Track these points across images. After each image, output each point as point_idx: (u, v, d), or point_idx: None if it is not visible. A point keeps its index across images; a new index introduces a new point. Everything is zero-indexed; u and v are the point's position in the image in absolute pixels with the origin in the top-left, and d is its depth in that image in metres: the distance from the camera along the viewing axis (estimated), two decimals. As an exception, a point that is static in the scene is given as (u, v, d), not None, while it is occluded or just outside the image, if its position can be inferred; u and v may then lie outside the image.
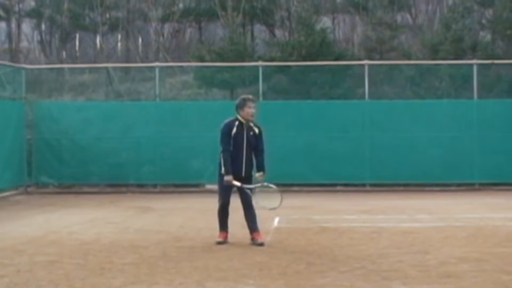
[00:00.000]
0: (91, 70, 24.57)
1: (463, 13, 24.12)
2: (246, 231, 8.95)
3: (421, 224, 10.93)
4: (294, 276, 6.75)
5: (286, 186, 17.93)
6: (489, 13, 27.34)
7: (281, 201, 8.62)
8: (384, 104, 18.56)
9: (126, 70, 24.87)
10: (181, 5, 29.07)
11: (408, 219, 11.56)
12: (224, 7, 25.49)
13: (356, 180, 17.95)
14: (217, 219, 8.92)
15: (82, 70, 25.03)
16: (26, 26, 31.01)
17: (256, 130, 8.81)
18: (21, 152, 17.70)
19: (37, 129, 18.12)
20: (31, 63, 24.46)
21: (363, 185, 17.95)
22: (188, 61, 24.00)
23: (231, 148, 8.65)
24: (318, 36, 22.09)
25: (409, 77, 21.31)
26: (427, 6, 30.14)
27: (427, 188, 17.74)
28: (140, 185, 18.23)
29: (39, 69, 22.85)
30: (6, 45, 29.94)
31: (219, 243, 8.75)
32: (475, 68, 18.37)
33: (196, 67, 22.11)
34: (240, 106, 8.73)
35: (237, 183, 8.62)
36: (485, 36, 26.30)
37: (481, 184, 17.78)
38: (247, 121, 8.74)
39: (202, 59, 22.37)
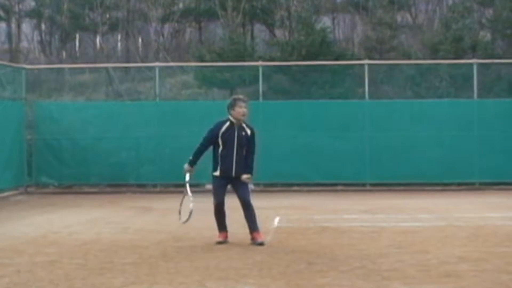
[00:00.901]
0: (91, 70, 24.58)
1: (463, 13, 24.16)
2: (246, 230, 8.94)
3: (421, 223, 10.93)
4: (294, 276, 6.75)
5: (287, 185, 18.01)
6: (489, 12, 27.36)
7: (187, 219, 8.74)
8: (384, 104, 18.56)
9: (126, 70, 24.87)
10: (181, 5, 29.08)
11: (408, 219, 11.56)
12: (224, 7, 25.52)
13: (356, 179, 17.95)
14: (215, 220, 8.92)
15: (82, 70, 25.03)
16: (26, 26, 31.03)
17: (248, 131, 8.74)
18: (21, 152, 17.70)
19: (37, 129, 18.12)
20: (31, 63, 24.45)
21: (363, 184, 17.95)
22: (188, 61, 24.03)
23: (220, 148, 8.70)
24: (318, 36, 22.10)
25: (409, 76, 21.31)
26: (427, 5, 30.14)
27: (427, 188, 17.74)
28: (140, 185, 18.23)
29: (39, 69, 22.85)
30: (6, 45, 29.95)
31: (219, 242, 8.76)
32: (475, 68, 18.36)
33: (196, 67, 22.12)
34: (231, 106, 8.70)
35: (187, 177, 8.91)
36: (485, 35, 26.31)
37: (481, 184, 17.78)
38: (238, 120, 8.69)
39: (202, 59, 22.39)
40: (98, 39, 29.22)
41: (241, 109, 8.65)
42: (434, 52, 22.47)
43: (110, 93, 23.01)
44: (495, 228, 10.11)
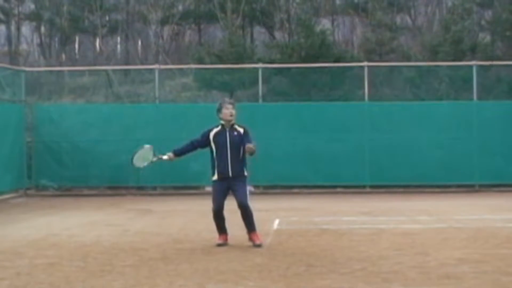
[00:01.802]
0: (90, 72, 24.58)
1: (462, 15, 24.14)
2: (245, 233, 8.94)
3: (421, 225, 10.92)
4: (294, 278, 6.75)
5: (286, 187, 18.02)
6: (488, 14, 27.38)
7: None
8: (383, 106, 18.56)
9: (126, 72, 24.87)
10: (180, 8, 29.09)
11: (408, 221, 11.56)
12: (223, 9, 25.53)
13: (356, 181, 17.95)
14: (214, 224, 8.94)
15: (82, 73, 25.03)
16: (26, 28, 31.04)
17: (241, 130, 8.80)
18: (21, 154, 17.70)
19: (36, 132, 18.13)
20: (30, 66, 24.46)
21: (363, 186, 17.96)
22: (188, 63, 24.01)
23: (214, 151, 8.79)
24: (318, 38, 22.10)
25: (409, 78, 21.32)
26: (427, 7, 30.17)
27: (427, 190, 17.75)
28: (140, 188, 18.23)
29: (38, 72, 22.87)
30: (6, 48, 29.95)
31: (219, 245, 8.77)
32: (474, 70, 18.38)
33: (196, 69, 22.12)
34: (219, 110, 8.85)
35: (165, 157, 9.14)
36: (485, 37, 26.31)
37: (481, 186, 17.79)
38: (228, 122, 8.78)
39: (201, 61, 22.38)
40: (97, 42, 29.22)
41: (227, 110, 8.77)
42: (433, 54, 22.47)
43: (110, 95, 23.01)
44: (495, 230, 10.12)
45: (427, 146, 17.79)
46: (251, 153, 8.55)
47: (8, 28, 29.95)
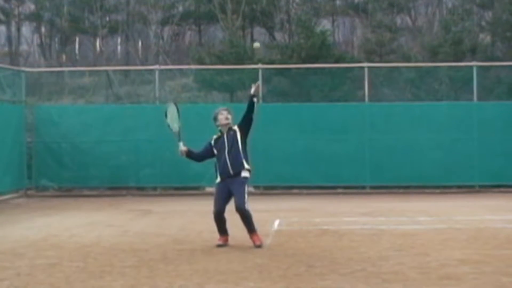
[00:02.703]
0: (91, 73, 24.60)
1: (462, 16, 24.18)
2: (246, 233, 8.94)
3: (421, 226, 10.92)
4: (294, 279, 6.75)
5: (286, 188, 18.01)
6: (488, 15, 27.40)
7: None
8: (384, 107, 18.56)
9: (126, 73, 24.88)
10: (180, 8, 29.13)
11: (408, 221, 11.55)
12: (223, 10, 25.55)
13: (356, 182, 17.95)
14: (215, 225, 8.97)
15: (82, 73, 25.04)
16: (26, 29, 31.08)
17: (235, 127, 8.99)
18: (21, 155, 17.70)
19: (37, 132, 18.12)
20: (31, 66, 24.49)
21: (363, 187, 17.95)
22: (188, 64, 24.02)
23: (216, 155, 8.94)
24: (318, 38, 22.11)
25: (409, 79, 21.32)
26: (427, 8, 30.20)
27: (427, 190, 17.74)
28: (140, 188, 18.23)
29: (39, 72, 22.86)
30: (6, 48, 29.98)
31: (219, 245, 8.78)
32: (474, 70, 18.37)
33: (196, 70, 22.12)
34: (215, 119, 9.10)
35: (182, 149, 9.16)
36: (485, 38, 26.34)
37: (481, 186, 17.78)
38: (225, 126, 8.99)
39: (202, 62, 22.40)
40: (98, 42, 29.25)
41: (222, 116, 9.01)
42: (433, 54, 22.49)
43: (110, 96, 23.01)
44: (495, 231, 10.11)
45: (427, 147, 17.78)
46: (257, 90, 8.90)
47: (9, 28, 30.00)
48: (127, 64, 27.52)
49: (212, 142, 9.02)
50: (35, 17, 29.61)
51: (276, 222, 11.23)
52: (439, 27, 26.42)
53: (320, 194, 17.28)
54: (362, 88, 18.53)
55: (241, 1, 25.53)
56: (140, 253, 8.35)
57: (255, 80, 18.86)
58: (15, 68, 20.02)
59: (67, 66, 27.29)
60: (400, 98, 20.59)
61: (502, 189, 17.52)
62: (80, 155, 17.95)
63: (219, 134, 9.02)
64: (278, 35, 27.92)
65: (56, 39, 29.92)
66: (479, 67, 18.93)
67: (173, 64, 25.20)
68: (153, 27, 27.52)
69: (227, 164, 8.79)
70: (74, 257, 8.11)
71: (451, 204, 14.68)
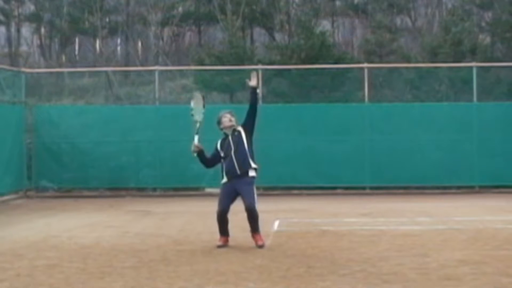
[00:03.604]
0: (90, 74, 24.61)
1: (462, 16, 24.17)
2: (246, 234, 8.95)
3: (421, 227, 10.92)
4: (294, 280, 6.75)
5: (286, 189, 18.01)
6: (488, 16, 27.41)
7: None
8: (383, 107, 18.56)
9: (126, 74, 24.89)
10: (180, 9, 29.11)
11: (408, 222, 11.55)
12: (223, 11, 25.54)
13: (356, 183, 17.94)
14: (217, 225, 8.95)
15: (82, 74, 25.04)
16: (26, 30, 31.07)
17: (239, 128, 9.01)
18: (21, 156, 17.69)
19: (36, 133, 18.11)
20: (30, 67, 24.45)
21: (363, 188, 17.95)
22: (188, 64, 24.02)
23: (223, 157, 8.90)
24: (318, 39, 22.09)
25: (409, 80, 21.32)
26: (427, 9, 30.20)
27: (427, 191, 17.74)
28: (140, 189, 18.22)
29: (38, 73, 22.85)
30: (6, 49, 29.98)
31: (219, 246, 8.78)
32: (474, 71, 18.37)
33: (196, 70, 22.12)
34: (219, 123, 9.11)
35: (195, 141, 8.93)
36: (485, 39, 26.34)
37: (481, 187, 17.77)
38: (229, 128, 9.02)
39: (201, 63, 22.39)
40: (97, 43, 29.24)
41: (226, 118, 9.05)
42: (433, 55, 22.48)
43: (110, 97, 23.03)
44: (495, 231, 10.11)
45: (427, 148, 17.77)
46: (254, 79, 8.85)
47: (8, 29, 29.99)
48: (127, 65, 27.51)
49: (218, 146, 9.02)
50: (35, 18, 29.60)
51: (276, 223, 11.23)
52: (439, 27, 26.42)
53: (320, 195, 17.28)
54: (362, 88, 18.53)
55: (241, 2, 25.53)
56: (140, 254, 8.35)
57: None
58: (15, 69, 20.01)
59: (67, 67, 27.27)
60: (400, 98, 20.59)
61: (502, 190, 17.51)
62: (80, 156, 17.95)
63: (224, 136, 9.04)
64: (278, 36, 27.91)
65: (56, 40, 29.91)
66: (479, 68, 18.92)
67: (173, 65, 25.20)
68: (153, 28, 27.51)
69: (233, 164, 8.80)
70: (74, 258, 8.11)
71: (451, 204, 14.68)
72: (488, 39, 26.34)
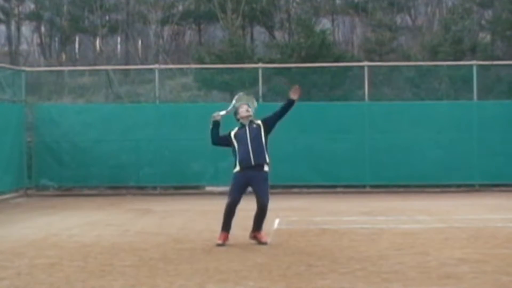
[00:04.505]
0: (91, 72, 24.59)
1: (462, 15, 24.17)
2: (246, 233, 8.95)
3: (421, 225, 10.92)
4: (294, 278, 6.75)
5: (287, 187, 18.00)
6: (488, 14, 27.40)
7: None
8: (383, 106, 18.55)
9: (126, 72, 24.88)
10: (180, 8, 29.12)
11: (408, 221, 11.56)
12: (223, 9, 25.54)
13: (356, 181, 17.94)
14: (222, 218, 8.88)
15: (82, 73, 25.03)
16: (26, 28, 31.08)
17: (258, 121, 9.04)
18: (21, 154, 17.69)
19: (37, 132, 18.11)
20: (31, 66, 24.47)
21: (363, 186, 17.95)
22: (188, 63, 24.02)
23: (236, 146, 8.84)
24: (318, 37, 22.10)
25: (409, 78, 21.32)
26: (427, 7, 30.20)
27: (427, 189, 17.74)
28: (140, 187, 18.22)
29: (38, 72, 22.85)
30: (6, 48, 29.98)
31: (219, 245, 8.74)
32: (474, 69, 18.36)
33: (196, 69, 22.12)
34: (235, 113, 9.08)
35: (222, 112, 8.96)
36: (485, 37, 26.34)
37: (481, 185, 17.77)
38: (246, 119, 8.98)
39: (201, 61, 22.39)
40: (97, 42, 29.25)
41: (243, 108, 9.01)
42: (433, 54, 22.49)
43: (110, 95, 23.00)
44: (495, 230, 10.12)
45: (427, 146, 17.77)
46: (297, 93, 9.11)
47: (8, 28, 29.99)
48: (127, 64, 27.51)
49: (232, 134, 8.94)
50: (35, 17, 29.61)
51: (276, 221, 11.23)
52: (439, 26, 26.42)
53: (320, 193, 17.28)
54: (362, 87, 18.52)
55: (241, 1, 25.52)
56: (140, 253, 8.36)
57: (255, 79, 19.02)
58: (15, 67, 20.00)
59: (67, 65, 27.29)
60: (400, 97, 20.58)
61: (502, 188, 17.51)
62: (80, 154, 17.94)
63: (240, 126, 8.98)
64: (278, 34, 27.92)
65: (56, 39, 29.92)
66: (479, 66, 18.91)
67: (173, 63, 25.18)
68: (153, 27, 27.52)
69: (249, 153, 8.74)
70: (74, 257, 8.11)
71: (451, 203, 14.68)
72: (488, 38, 26.33)
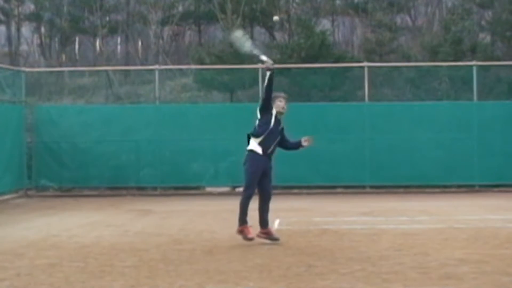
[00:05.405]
0: (90, 73, 24.59)
1: (462, 15, 24.16)
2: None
3: (421, 226, 10.93)
4: (294, 278, 6.75)
5: (287, 188, 17.99)
6: (488, 14, 27.39)
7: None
8: (383, 106, 18.56)
9: (126, 73, 24.88)
10: (180, 8, 29.11)
11: (408, 221, 11.56)
12: (223, 10, 25.53)
13: (356, 182, 17.94)
14: (240, 212, 8.84)
15: (82, 73, 25.03)
16: (26, 29, 31.05)
17: (283, 125, 9.41)
18: (21, 155, 17.70)
19: (37, 133, 18.12)
20: (30, 67, 24.47)
21: (363, 187, 17.95)
22: (188, 63, 24.01)
23: (270, 123, 9.15)
24: (318, 38, 22.09)
25: (409, 79, 21.32)
26: (427, 8, 30.19)
27: (427, 190, 17.75)
28: (140, 188, 18.23)
29: (38, 73, 22.84)
30: (6, 49, 29.96)
31: (251, 239, 8.77)
32: (474, 70, 18.37)
33: (196, 69, 22.12)
34: (273, 100, 9.24)
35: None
36: (485, 37, 26.34)
37: (481, 186, 17.78)
38: (280, 115, 9.27)
39: (201, 62, 22.38)
40: (97, 42, 29.23)
41: (281, 103, 9.24)
42: (433, 54, 22.48)
43: (110, 96, 23.01)
44: (495, 230, 10.12)
45: (427, 146, 17.78)
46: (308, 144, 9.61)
47: (8, 28, 29.98)
48: (127, 64, 27.51)
49: (275, 111, 9.12)
50: (35, 17, 29.59)
51: (276, 222, 11.23)
52: (439, 26, 26.43)
53: (320, 194, 17.28)
54: (362, 87, 18.53)
55: (241, 1, 25.51)
56: (140, 253, 8.35)
57: (255, 79, 19.00)
58: (15, 68, 20.00)
59: (67, 66, 27.27)
60: (400, 97, 20.60)
61: (502, 189, 17.52)
62: (80, 155, 17.95)
63: (276, 113, 9.19)
64: (278, 35, 27.91)
65: (56, 39, 29.89)
66: (479, 67, 18.92)
67: (173, 64, 25.18)
68: (153, 27, 27.49)
69: (272, 142, 9.10)
70: (74, 257, 8.11)
71: (451, 203, 14.68)
72: (488, 38, 26.34)
